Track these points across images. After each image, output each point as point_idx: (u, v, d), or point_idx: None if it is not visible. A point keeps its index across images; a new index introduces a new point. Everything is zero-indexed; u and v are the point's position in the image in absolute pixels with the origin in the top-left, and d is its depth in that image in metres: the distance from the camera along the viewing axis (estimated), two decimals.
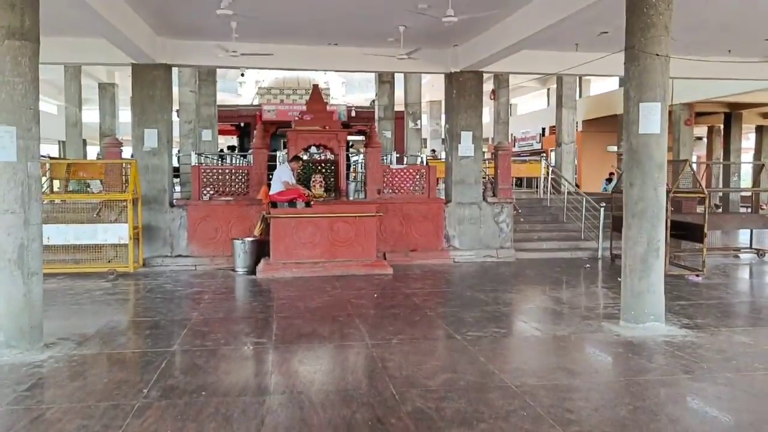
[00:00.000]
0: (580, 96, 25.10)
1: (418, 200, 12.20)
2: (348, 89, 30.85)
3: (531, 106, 31.37)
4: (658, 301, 6.64)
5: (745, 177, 27.37)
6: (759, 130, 26.62)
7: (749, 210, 17.52)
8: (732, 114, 23.37)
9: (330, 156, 12.47)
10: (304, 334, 6.59)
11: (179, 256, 11.39)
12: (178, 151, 17.65)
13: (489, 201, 12.38)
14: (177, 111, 18.04)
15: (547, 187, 15.31)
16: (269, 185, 10.78)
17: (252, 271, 10.76)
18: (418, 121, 18.28)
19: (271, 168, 12.34)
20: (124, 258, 10.56)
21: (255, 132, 11.94)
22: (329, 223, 10.75)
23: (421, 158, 16.32)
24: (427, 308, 7.90)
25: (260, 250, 11.12)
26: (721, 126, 25.61)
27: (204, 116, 20.85)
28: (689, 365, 5.44)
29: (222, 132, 25.10)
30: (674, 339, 6.28)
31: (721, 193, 21.35)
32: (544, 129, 27.73)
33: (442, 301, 8.44)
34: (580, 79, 23.68)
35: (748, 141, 28.55)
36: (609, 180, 18.77)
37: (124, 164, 10.91)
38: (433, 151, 23.95)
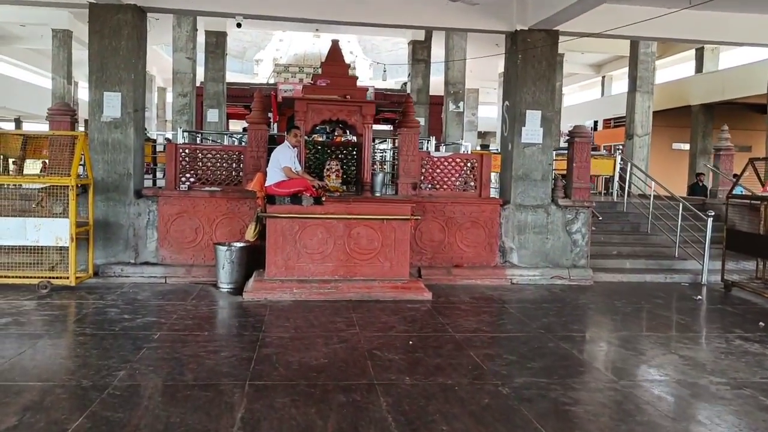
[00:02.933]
0: None
1: (466, 200, 9.18)
2: (375, 73, 27.87)
3: (580, 96, 28.02)
4: None
5: None
6: None
7: None
8: None
9: (349, 137, 9.54)
10: None
11: (145, 263, 8.50)
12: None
13: (560, 204, 9.31)
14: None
15: (623, 189, 12.16)
16: (267, 173, 7.83)
17: (240, 288, 7.87)
18: (461, 103, 15.20)
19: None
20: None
21: (252, 103, 9.02)
22: (347, 228, 7.79)
23: (465, 147, 13.31)
24: (496, 375, 4.90)
25: (254, 259, 8.22)
26: None
27: (211, 94, 18.22)
28: None
29: (232, 115, 22.21)
30: None
31: None
32: (596, 122, 24.46)
33: (516, 360, 5.40)
34: None
35: None
36: (697, 184, 15.28)
37: (76, 138, 8.02)
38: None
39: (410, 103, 9.16)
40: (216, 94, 18.21)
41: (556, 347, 5.83)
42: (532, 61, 9.12)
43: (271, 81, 21.97)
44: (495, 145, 28.00)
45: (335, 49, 8.67)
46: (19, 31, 20.98)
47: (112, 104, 8.33)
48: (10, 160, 11.05)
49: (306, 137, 8.57)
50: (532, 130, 9.17)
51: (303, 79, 21.42)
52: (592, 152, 16.00)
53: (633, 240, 10.79)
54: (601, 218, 10.16)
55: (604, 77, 24.89)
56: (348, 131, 11.71)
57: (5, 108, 23.09)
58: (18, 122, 26.67)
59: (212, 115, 18.08)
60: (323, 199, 7.75)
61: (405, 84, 20.57)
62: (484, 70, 23.18)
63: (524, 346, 5.81)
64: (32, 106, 22.73)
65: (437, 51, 19.56)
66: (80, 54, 19.51)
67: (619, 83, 25.08)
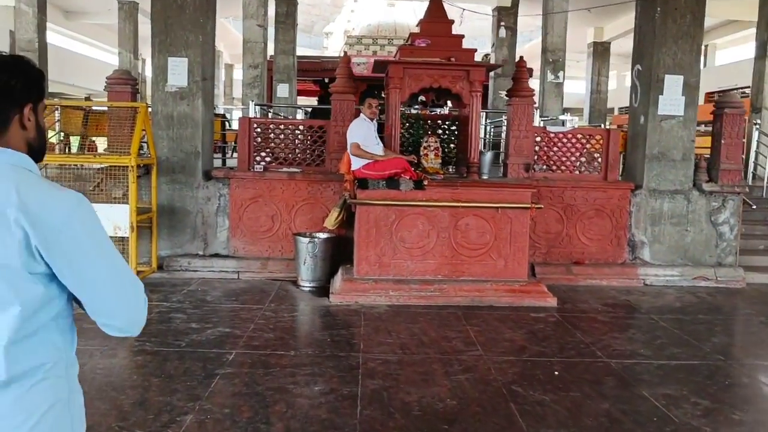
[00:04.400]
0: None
1: (589, 184, 7.68)
2: None
3: None
4: None
5: None
6: None
7: None
8: None
9: (432, 110, 8.13)
10: None
11: (215, 255, 7.39)
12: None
13: (704, 189, 7.69)
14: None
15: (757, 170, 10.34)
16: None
17: (324, 287, 6.68)
18: (561, 73, 13.52)
19: None
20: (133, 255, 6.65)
21: (337, 70, 7.74)
22: (453, 218, 6.45)
23: (572, 122, 11.68)
24: None
25: (338, 252, 7.01)
26: None
27: (281, 67, 17.08)
28: None
29: (301, 92, 21.05)
30: None
31: None
32: None
33: (713, 407, 3.92)
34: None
35: None
36: None
37: (137, 111, 6.92)
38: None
39: (523, 67, 7.69)
40: (286, 68, 17.05)
41: (755, 384, 4.35)
42: (674, 14, 7.48)
43: (343, 54, 20.67)
44: (580, 122, 25.95)
45: (436, 4, 7.24)
46: (86, 5, 20.40)
47: (178, 71, 7.19)
48: (72, 138, 10.15)
49: (402, 109, 7.24)
50: (671, 99, 7.56)
51: (377, 51, 20.01)
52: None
53: None
54: (755, 207, 8.44)
55: (706, 46, 22.51)
56: (432, 105, 10.34)
57: (75, 86, 22.67)
58: (88, 100, 26.44)
59: (282, 90, 16.95)
60: (425, 183, 6.41)
61: (487, 56, 18.92)
62: (571, 40, 21.25)
63: (710, 383, 4.34)
64: (101, 84, 22.24)
65: (524, 19, 17.88)
66: (147, 28, 18.76)
67: (724, 52, 22.70)
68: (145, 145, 7.43)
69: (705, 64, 22.90)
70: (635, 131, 7.94)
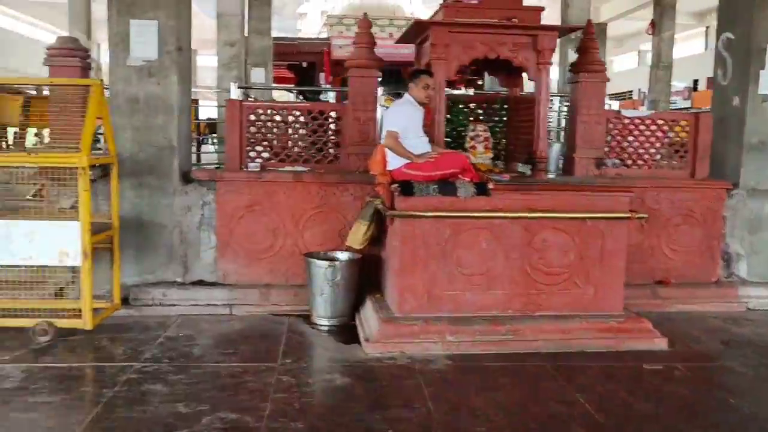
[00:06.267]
0: None
1: (673, 182, 6.08)
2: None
3: (678, 50, 24.31)
4: None
5: None
6: None
7: None
8: None
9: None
10: None
11: (199, 283, 5.57)
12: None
13: None
14: None
15: None
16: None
17: (348, 324, 4.98)
18: None
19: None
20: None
21: (355, 38, 5.98)
22: (526, 233, 4.77)
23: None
24: None
25: (364, 277, 5.30)
26: None
27: (255, 49, 15.25)
28: None
29: (277, 79, 19.11)
30: None
31: None
32: (696, 81, 20.98)
33: None
34: None
35: None
36: None
37: (88, 92, 5.03)
38: None
39: (592, 35, 6.02)
40: (261, 50, 15.24)
41: None
42: None
43: (323, 35, 18.86)
44: None
45: None
46: None
47: (144, 38, 5.33)
48: (10, 130, 8.23)
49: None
50: None
51: None
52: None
53: None
54: None
55: (708, 28, 21.28)
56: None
57: (26, 74, 20.34)
58: (38, 90, 24.08)
59: (257, 75, 15.10)
60: (490, 187, 4.71)
61: None
62: None
63: None
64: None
65: None
66: (101, 8, 16.63)
67: None
68: (101, 137, 5.59)
69: (707, 47, 21.74)
70: (725, 115, 6.36)
